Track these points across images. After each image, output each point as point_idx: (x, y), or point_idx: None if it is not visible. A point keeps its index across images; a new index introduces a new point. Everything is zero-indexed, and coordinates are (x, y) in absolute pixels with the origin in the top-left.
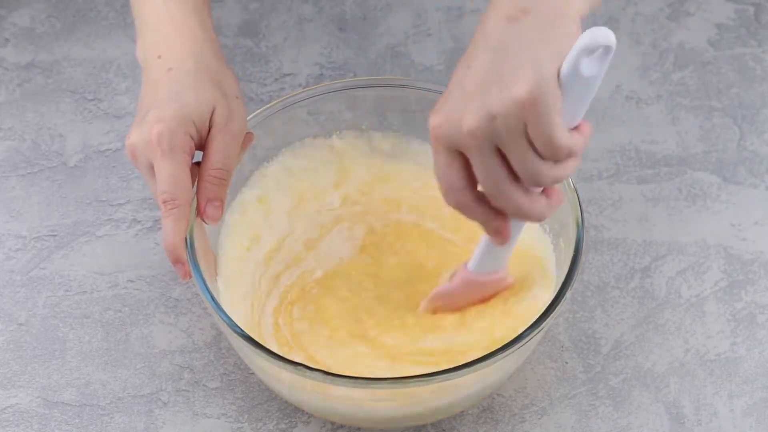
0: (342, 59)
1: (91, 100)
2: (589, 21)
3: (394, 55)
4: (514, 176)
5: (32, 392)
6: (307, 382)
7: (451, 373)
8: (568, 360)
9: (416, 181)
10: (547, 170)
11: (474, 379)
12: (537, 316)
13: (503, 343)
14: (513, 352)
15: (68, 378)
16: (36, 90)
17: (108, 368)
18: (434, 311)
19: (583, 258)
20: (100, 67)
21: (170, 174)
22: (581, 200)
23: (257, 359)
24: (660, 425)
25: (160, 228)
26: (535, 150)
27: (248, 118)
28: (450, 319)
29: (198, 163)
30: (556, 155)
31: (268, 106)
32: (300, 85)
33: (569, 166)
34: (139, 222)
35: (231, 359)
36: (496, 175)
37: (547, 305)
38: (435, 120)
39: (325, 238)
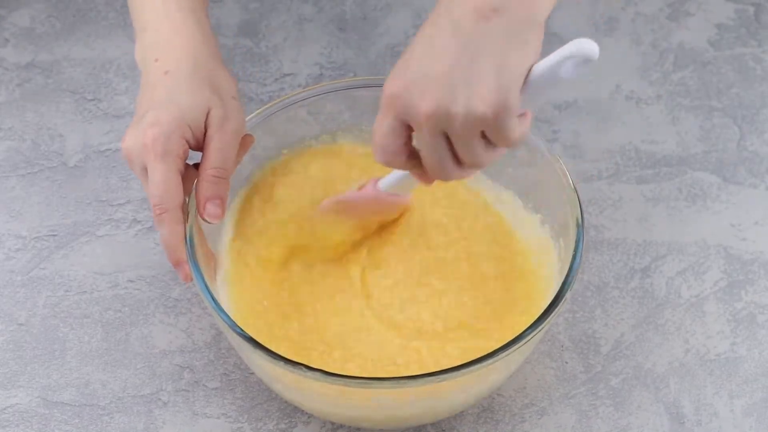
0: (342, 59)
1: (91, 100)
2: (590, 22)
3: (394, 55)
4: (457, 157)
5: (32, 392)
6: (306, 382)
7: (451, 373)
8: (568, 360)
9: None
10: (489, 157)
11: (474, 379)
12: (537, 316)
13: (503, 343)
14: (513, 352)
15: (68, 378)
16: (36, 90)
17: (108, 368)
18: (335, 214)
19: (583, 258)
20: (100, 67)
21: (161, 179)
22: (581, 200)
23: (257, 359)
24: (660, 425)
25: None
26: (485, 140)
27: (248, 118)
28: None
29: (198, 165)
30: (506, 147)
31: (268, 106)
32: (300, 85)
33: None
34: (139, 222)
35: (231, 359)
36: (440, 154)
37: (547, 305)
38: (393, 87)
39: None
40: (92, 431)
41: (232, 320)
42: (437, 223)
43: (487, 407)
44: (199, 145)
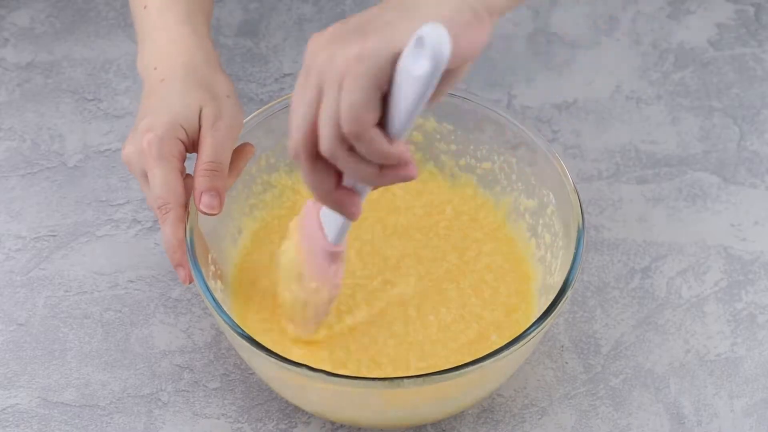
0: None
1: (91, 100)
2: (590, 22)
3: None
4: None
5: (32, 392)
6: (307, 382)
7: (451, 373)
8: (568, 360)
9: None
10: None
11: (474, 379)
12: (537, 317)
13: (503, 344)
14: (513, 352)
15: (68, 378)
16: (36, 90)
17: (108, 368)
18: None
19: (583, 258)
20: (100, 67)
21: (162, 180)
22: (581, 200)
23: (257, 359)
24: (660, 425)
25: (159, 229)
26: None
27: (248, 118)
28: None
29: None
30: (347, 120)
31: (268, 106)
32: None
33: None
34: (139, 222)
35: (231, 359)
36: (305, 106)
37: (547, 305)
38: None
39: None
40: (92, 431)
41: (232, 320)
42: (434, 224)
43: (487, 407)
44: (195, 145)
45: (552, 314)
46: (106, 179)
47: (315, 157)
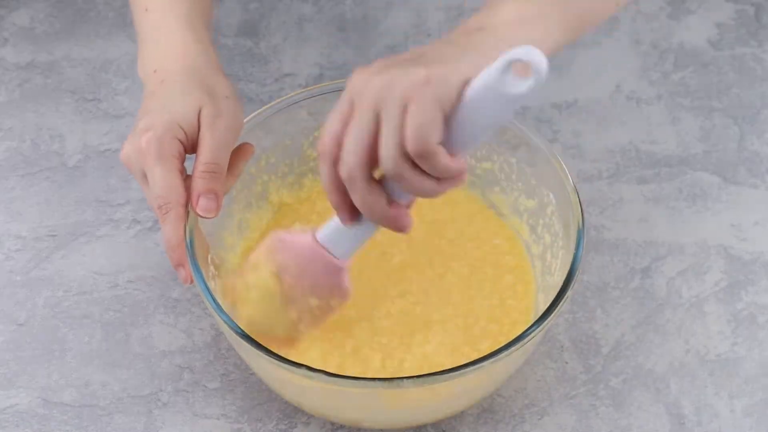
0: (342, 59)
1: (91, 100)
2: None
3: (393, 55)
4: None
5: (32, 392)
6: (307, 382)
7: (451, 373)
8: (568, 360)
9: None
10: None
11: (474, 380)
12: (537, 317)
13: (503, 344)
14: (513, 352)
15: (68, 378)
16: (36, 90)
17: (108, 369)
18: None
19: (584, 258)
20: (100, 67)
21: (162, 179)
22: (581, 200)
23: (257, 359)
24: (660, 426)
25: (159, 229)
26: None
27: (248, 118)
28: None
29: None
30: (413, 139)
31: (268, 106)
32: (300, 85)
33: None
34: (139, 222)
35: (231, 359)
36: (362, 132)
37: (547, 305)
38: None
39: None
40: (92, 431)
41: (232, 320)
42: (435, 224)
43: (487, 407)
44: (194, 146)
45: (552, 314)
46: (106, 179)
47: (370, 178)
